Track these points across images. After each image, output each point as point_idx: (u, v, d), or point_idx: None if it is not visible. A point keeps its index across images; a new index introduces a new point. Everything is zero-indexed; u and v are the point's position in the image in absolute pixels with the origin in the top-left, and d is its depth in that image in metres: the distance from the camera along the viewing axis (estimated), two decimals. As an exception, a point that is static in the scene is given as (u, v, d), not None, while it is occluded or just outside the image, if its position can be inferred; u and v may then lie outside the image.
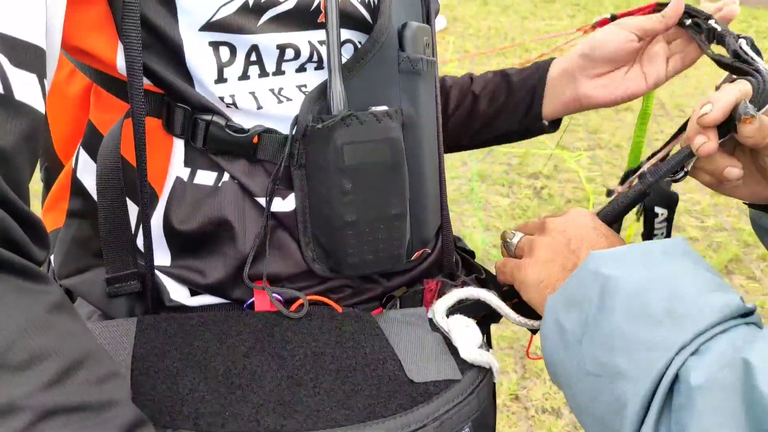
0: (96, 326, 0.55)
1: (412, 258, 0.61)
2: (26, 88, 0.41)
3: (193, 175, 0.55)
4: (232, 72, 0.53)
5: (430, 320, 0.60)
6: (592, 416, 0.47)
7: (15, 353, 0.35)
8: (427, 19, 0.61)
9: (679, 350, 0.43)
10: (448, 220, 0.65)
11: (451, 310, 0.60)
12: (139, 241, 0.56)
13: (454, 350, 0.56)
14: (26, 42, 0.42)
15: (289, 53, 0.53)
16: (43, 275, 0.40)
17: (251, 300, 0.58)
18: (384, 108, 0.53)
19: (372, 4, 0.55)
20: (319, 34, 0.53)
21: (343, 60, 0.53)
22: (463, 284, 0.64)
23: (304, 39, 0.53)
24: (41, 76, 0.43)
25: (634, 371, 0.43)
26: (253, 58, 0.53)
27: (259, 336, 0.55)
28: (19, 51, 0.41)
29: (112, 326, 0.55)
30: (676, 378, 0.42)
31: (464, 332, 0.57)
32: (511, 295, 0.61)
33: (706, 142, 0.53)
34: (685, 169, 0.58)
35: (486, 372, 0.56)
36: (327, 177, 0.53)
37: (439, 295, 0.63)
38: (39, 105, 0.42)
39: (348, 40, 0.54)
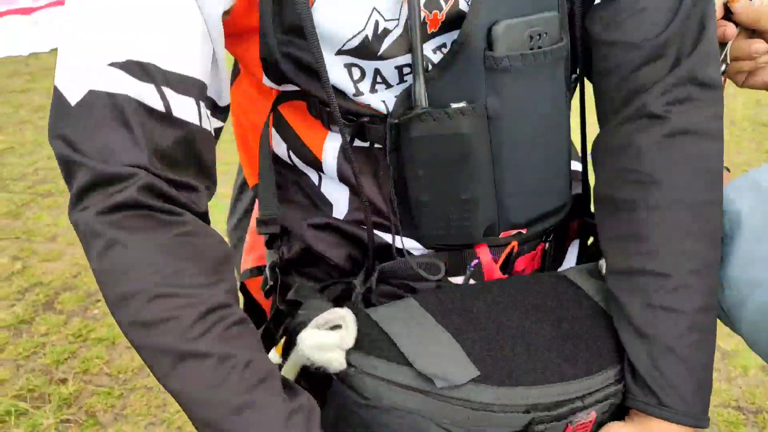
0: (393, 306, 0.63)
1: (500, 236, 0.66)
2: (183, 108, 0.55)
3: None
4: (364, 86, 0.61)
5: (599, 272, 0.68)
6: None
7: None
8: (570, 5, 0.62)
9: None
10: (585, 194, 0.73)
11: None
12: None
13: None
14: (184, 75, 0.55)
15: (407, 69, 0.60)
16: (178, 212, 0.54)
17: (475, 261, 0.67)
18: (462, 104, 0.58)
19: None
20: (435, 41, 0.59)
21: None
22: None
23: (427, 49, 0.59)
24: (198, 100, 0.56)
25: None
26: (379, 79, 0.61)
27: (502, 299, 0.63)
28: (178, 82, 0.54)
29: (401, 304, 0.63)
30: None
31: None
32: None
33: (725, 28, 0.68)
34: (727, 62, 0.71)
35: None
36: (405, 164, 0.61)
37: (581, 232, 0.74)
38: (194, 120, 0.56)
39: (453, 41, 0.59)
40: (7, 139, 3.80)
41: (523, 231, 0.67)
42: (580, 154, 0.75)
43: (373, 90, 0.61)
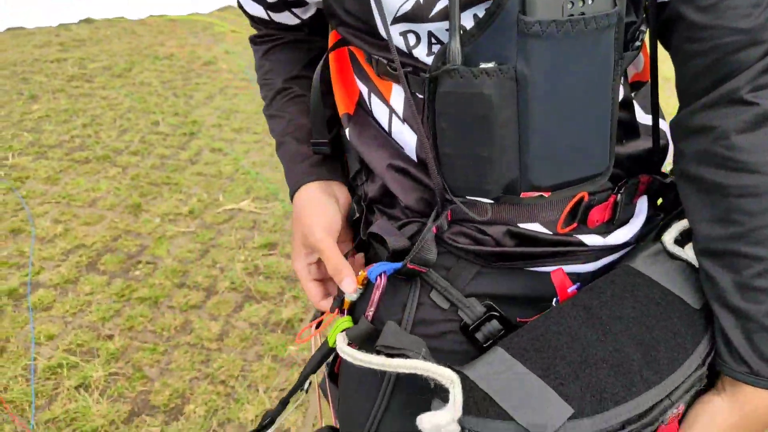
0: None
1: (521, 196, 0.67)
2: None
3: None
4: (420, 51, 0.66)
5: (665, 251, 0.71)
6: None
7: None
8: None
9: None
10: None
11: (677, 240, 0.72)
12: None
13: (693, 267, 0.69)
14: None
15: None
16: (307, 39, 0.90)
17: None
18: (491, 65, 0.59)
19: None
20: (481, 7, 0.62)
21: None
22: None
23: (469, 15, 0.63)
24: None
25: None
26: (434, 40, 0.65)
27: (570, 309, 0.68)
28: None
29: None
30: None
31: (690, 252, 0.70)
32: None
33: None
34: None
35: None
36: (434, 115, 0.64)
37: (649, 189, 0.76)
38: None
39: (492, 1, 0.61)
40: (42, 108, 3.89)
41: (546, 194, 0.67)
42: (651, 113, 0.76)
43: (429, 54, 0.65)
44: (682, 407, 0.61)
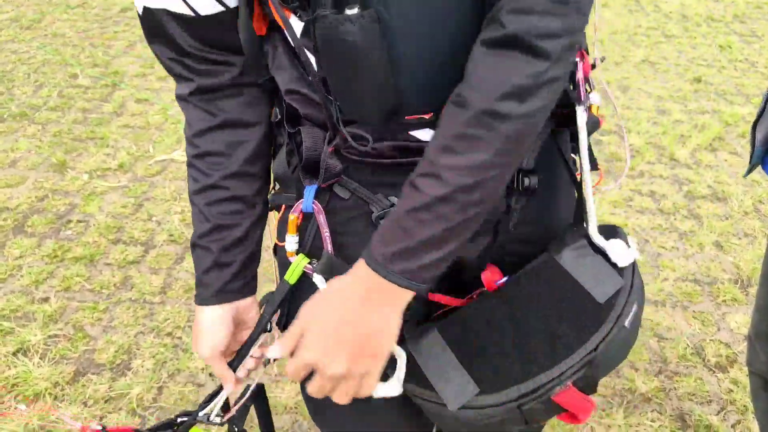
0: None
1: (404, 119, 0.72)
2: None
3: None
4: None
5: (590, 242, 0.77)
6: None
7: None
8: None
9: None
10: None
11: (601, 229, 0.78)
12: None
13: (612, 262, 0.75)
14: None
15: None
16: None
17: None
18: (354, 11, 0.63)
19: None
20: None
21: None
22: None
23: None
24: None
25: None
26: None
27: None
28: None
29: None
30: None
31: (614, 249, 0.75)
32: None
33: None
34: None
35: (633, 263, 0.74)
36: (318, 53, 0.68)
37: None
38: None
39: None
40: (-55, 66, 3.60)
41: (426, 117, 0.71)
42: None
43: None
44: (569, 383, 0.70)
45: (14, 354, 1.86)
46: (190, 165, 0.82)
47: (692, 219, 2.47)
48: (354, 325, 0.68)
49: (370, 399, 0.75)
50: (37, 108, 3.18)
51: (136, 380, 1.79)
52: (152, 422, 1.66)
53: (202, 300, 0.83)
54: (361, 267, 0.68)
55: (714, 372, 1.85)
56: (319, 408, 0.92)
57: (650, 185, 2.66)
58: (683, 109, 3.25)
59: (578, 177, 0.90)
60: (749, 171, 1.10)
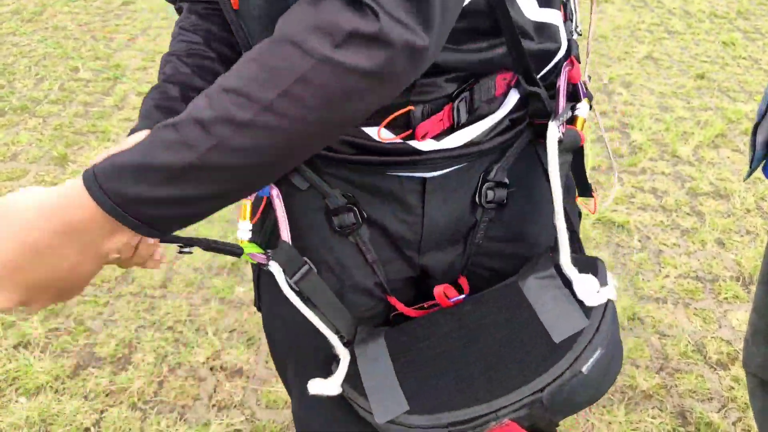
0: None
1: None
2: None
3: None
4: None
5: (560, 273, 0.71)
6: None
7: None
8: None
9: None
10: None
11: (574, 259, 0.71)
12: None
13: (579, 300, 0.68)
14: None
15: None
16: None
17: None
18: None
19: None
20: None
21: None
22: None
23: None
24: None
25: None
26: None
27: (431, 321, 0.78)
28: None
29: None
30: None
31: (583, 284, 0.69)
32: None
33: None
34: None
35: (606, 304, 0.67)
36: None
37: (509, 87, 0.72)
38: None
39: None
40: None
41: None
42: None
43: None
44: (507, 421, 0.67)
45: (15, 347, 1.86)
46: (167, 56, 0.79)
47: (694, 216, 2.47)
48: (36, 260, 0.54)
49: (358, 417, 0.75)
50: (38, 101, 3.18)
51: (136, 374, 1.79)
52: (153, 416, 1.66)
53: (132, 130, 0.75)
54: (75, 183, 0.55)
55: (715, 369, 1.85)
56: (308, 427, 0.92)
57: (652, 182, 2.66)
58: (686, 105, 3.24)
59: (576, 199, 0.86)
60: (749, 174, 1.09)
